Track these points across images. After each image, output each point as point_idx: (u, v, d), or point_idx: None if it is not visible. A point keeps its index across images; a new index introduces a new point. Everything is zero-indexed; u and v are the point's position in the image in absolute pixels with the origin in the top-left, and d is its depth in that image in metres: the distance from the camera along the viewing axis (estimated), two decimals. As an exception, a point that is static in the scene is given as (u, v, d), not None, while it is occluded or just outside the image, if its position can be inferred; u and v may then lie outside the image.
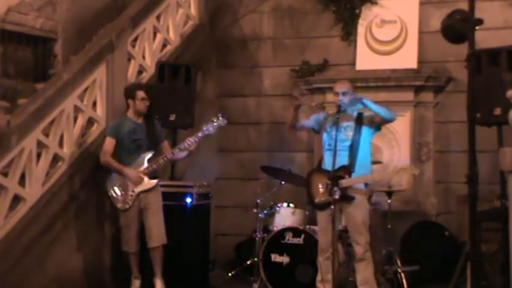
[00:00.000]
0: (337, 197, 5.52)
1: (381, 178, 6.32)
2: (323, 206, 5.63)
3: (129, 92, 6.30)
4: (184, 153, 6.22)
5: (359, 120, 5.75)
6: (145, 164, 6.15)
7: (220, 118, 6.21)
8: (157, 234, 6.15)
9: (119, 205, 6.16)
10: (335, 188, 5.49)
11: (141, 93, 6.24)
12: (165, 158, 6.19)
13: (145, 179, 6.13)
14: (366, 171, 5.76)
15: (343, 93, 5.75)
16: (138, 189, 6.12)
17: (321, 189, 5.69)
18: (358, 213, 5.67)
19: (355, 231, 5.71)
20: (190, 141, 6.12)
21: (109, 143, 6.21)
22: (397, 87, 7.87)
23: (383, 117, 5.73)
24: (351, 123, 5.74)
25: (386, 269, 6.47)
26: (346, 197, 5.60)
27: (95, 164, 6.50)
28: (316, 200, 5.73)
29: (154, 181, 6.16)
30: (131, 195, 6.12)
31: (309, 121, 6.05)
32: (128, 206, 6.13)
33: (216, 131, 6.24)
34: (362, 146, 5.72)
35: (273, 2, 8.73)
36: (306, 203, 6.99)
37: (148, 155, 6.18)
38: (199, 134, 6.16)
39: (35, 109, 5.97)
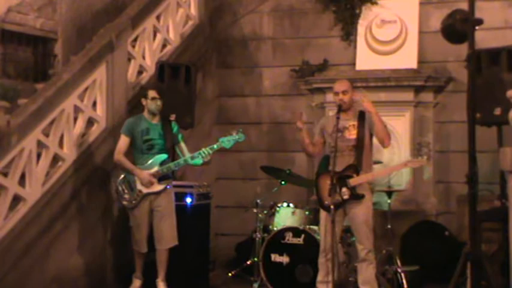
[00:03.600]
0: (346, 197, 5.51)
1: (388, 172, 6.30)
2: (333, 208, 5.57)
3: (144, 91, 6.31)
4: (199, 161, 6.11)
5: (362, 119, 5.74)
6: (157, 167, 6.10)
7: (239, 134, 6.09)
8: (166, 236, 6.12)
9: (125, 202, 6.16)
10: (343, 189, 5.48)
11: (152, 93, 6.19)
12: (177, 164, 6.12)
13: (155, 181, 6.09)
14: (370, 170, 5.76)
15: (343, 92, 5.74)
16: (145, 190, 6.09)
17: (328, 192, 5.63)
18: (362, 212, 5.63)
19: (358, 232, 5.68)
20: (204, 152, 6.06)
21: (123, 141, 6.18)
22: (397, 87, 7.88)
23: (376, 135, 5.69)
24: (354, 122, 5.73)
25: (387, 269, 6.47)
26: (356, 196, 5.58)
27: (95, 164, 6.51)
28: (326, 202, 5.67)
29: (162, 186, 6.09)
30: (137, 195, 6.10)
31: (318, 140, 5.90)
32: (132, 205, 6.12)
33: (231, 145, 6.11)
34: (366, 144, 5.71)
35: (273, 2, 8.74)
36: (306, 203, 7.00)
37: (162, 158, 6.12)
38: (214, 146, 6.07)
39: (35, 109, 5.97)
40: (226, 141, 6.07)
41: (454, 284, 4.10)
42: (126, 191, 6.14)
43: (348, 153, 5.63)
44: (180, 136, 6.31)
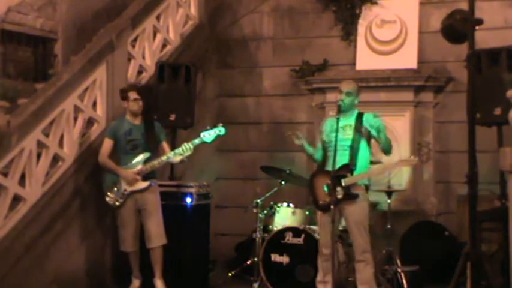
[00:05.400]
0: (340, 196, 5.51)
1: (380, 171, 6.30)
2: (327, 207, 5.60)
3: (123, 94, 6.33)
4: (179, 158, 6.20)
5: (359, 120, 5.74)
6: (140, 166, 6.15)
7: (219, 127, 6.20)
8: (155, 234, 6.16)
9: (110, 202, 6.20)
10: (338, 188, 5.49)
11: (133, 94, 6.25)
12: (160, 161, 6.19)
13: (140, 179, 6.14)
14: (363, 169, 5.76)
15: (347, 93, 5.74)
16: (129, 188, 6.14)
17: (325, 191, 5.66)
18: (356, 212, 5.64)
19: (353, 232, 5.69)
20: (186, 147, 6.12)
21: (106, 144, 6.25)
22: (397, 87, 7.88)
23: (382, 147, 5.75)
24: (351, 123, 5.73)
25: (387, 269, 6.47)
26: (350, 196, 5.59)
27: (95, 164, 6.50)
28: (321, 202, 5.71)
29: (146, 183, 6.15)
30: (123, 194, 6.14)
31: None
32: (118, 204, 6.16)
33: (213, 139, 6.21)
34: (362, 145, 5.71)
35: (273, 2, 8.74)
36: (306, 203, 7.00)
37: (145, 156, 6.17)
38: (196, 141, 6.15)
39: (35, 109, 5.98)
40: (208, 135, 6.17)
41: (454, 284, 4.10)
42: (111, 191, 6.18)
43: (344, 153, 5.63)
44: (162, 135, 6.37)
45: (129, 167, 6.15)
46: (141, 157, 6.16)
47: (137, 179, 6.13)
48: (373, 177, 6.08)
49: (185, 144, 6.14)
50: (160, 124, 6.48)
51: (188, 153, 6.14)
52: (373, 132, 5.67)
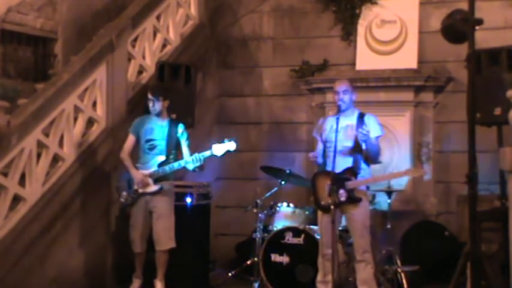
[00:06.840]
0: (343, 199, 5.50)
1: (385, 178, 6.32)
2: (329, 208, 5.58)
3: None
4: (192, 166, 6.09)
5: (361, 121, 5.73)
6: (154, 168, 6.12)
7: (231, 142, 6.06)
8: (162, 238, 6.13)
9: (122, 200, 6.21)
10: (341, 190, 5.48)
11: (148, 94, 6.25)
12: (171, 167, 6.12)
13: (150, 182, 6.12)
14: (367, 173, 5.76)
15: (344, 92, 5.74)
16: (141, 189, 6.12)
17: (327, 192, 5.64)
18: (359, 214, 5.65)
19: (355, 233, 5.70)
20: (196, 158, 6.04)
21: (129, 140, 6.25)
22: (397, 87, 7.88)
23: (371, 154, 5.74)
24: (352, 123, 5.72)
25: (386, 269, 6.47)
26: (353, 199, 5.58)
27: (95, 164, 6.51)
28: (323, 202, 5.69)
29: (156, 186, 6.10)
30: (134, 193, 6.13)
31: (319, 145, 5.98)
32: (127, 203, 6.15)
33: (223, 154, 6.07)
34: (363, 147, 5.70)
35: (273, 2, 8.74)
36: (306, 203, 7.00)
37: (161, 159, 6.13)
38: (206, 154, 6.05)
39: (35, 109, 5.98)
40: (218, 149, 6.02)
41: (454, 284, 4.10)
42: (124, 189, 6.17)
43: (345, 154, 5.63)
44: (183, 138, 6.25)
45: (144, 167, 6.13)
46: (156, 159, 6.12)
47: (146, 182, 6.09)
48: (376, 182, 6.10)
49: (196, 154, 6.06)
50: (184, 128, 6.35)
51: (198, 164, 6.07)
52: (369, 139, 5.65)
